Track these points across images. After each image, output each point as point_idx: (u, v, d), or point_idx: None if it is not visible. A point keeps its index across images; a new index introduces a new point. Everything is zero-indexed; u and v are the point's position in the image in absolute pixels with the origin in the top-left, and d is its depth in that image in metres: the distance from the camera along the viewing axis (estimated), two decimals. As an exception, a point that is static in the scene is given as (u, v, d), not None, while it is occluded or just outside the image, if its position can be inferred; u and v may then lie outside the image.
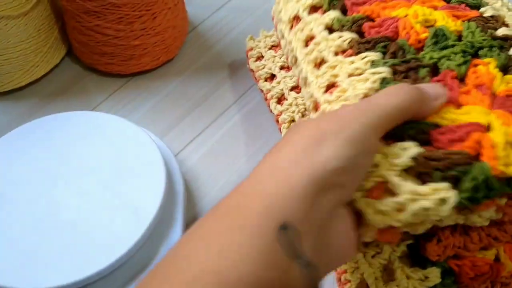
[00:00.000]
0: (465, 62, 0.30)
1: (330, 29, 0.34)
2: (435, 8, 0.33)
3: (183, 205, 0.37)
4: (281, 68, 0.42)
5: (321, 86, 0.31)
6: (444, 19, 0.32)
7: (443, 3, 0.34)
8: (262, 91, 0.44)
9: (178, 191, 0.38)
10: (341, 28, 0.33)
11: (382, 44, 0.31)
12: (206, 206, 0.40)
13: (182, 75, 0.49)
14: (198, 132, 0.45)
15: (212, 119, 0.46)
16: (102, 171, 0.37)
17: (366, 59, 0.30)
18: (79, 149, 0.38)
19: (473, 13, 0.33)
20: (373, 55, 0.30)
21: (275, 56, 0.42)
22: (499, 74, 0.30)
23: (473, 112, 0.28)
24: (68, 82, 0.49)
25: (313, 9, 0.35)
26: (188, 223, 0.38)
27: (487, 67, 0.30)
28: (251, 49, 0.45)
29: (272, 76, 0.42)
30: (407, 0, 0.34)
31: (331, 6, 0.34)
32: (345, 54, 0.32)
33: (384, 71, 0.29)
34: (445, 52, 0.30)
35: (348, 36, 0.32)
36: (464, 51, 0.30)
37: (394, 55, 0.31)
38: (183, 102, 0.47)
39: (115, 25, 0.44)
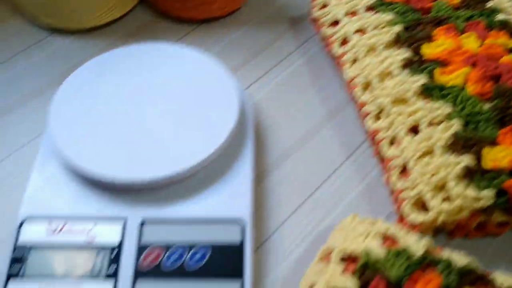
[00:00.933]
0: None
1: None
2: None
3: (252, 131, 0.41)
4: (346, 14, 0.45)
5: None
6: None
7: None
8: (324, 38, 0.47)
9: (248, 119, 0.41)
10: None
11: None
12: (270, 135, 0.43)
13: (247, 24, 0.53)
14: (261, 75, 0.48)
15: (274, 64, 0.49)
16: (179, 95, 0.40)
17: None
18: (157, 76, 0.41)
19: None
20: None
21: (339, 4, 0.46)
22: None
23: None
24: (141, 26, 0.52)
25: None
26: (256, 146, 0.42)
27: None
28: (316, -2, 0.48)
29: (336, 23, 0.46)
30: None
31: None
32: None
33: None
34: None
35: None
36: None
37: None
38: (246, 49, 0.50)
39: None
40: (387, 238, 0.32)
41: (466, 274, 0.29)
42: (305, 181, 0.41)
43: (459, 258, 0.30)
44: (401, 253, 0.30)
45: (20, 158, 0.42)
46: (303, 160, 0.42)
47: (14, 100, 0.45)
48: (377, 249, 0.30)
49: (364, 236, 0.32)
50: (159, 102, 0.40)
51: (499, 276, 0.30)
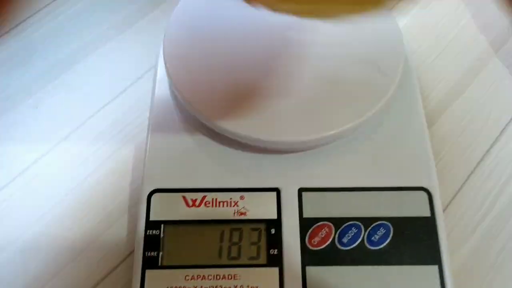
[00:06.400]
0: None
1: None
2: None
3: (416, 77, 0.33)
4: None
5: None
6: None
7: None
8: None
9: (410, 61, 0.33)
10: None
11: None
12: (422, 78, 0.36)
13: None
14: None
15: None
16: (330, 32, 0.32)
17: None
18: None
19: None
20: None
21: None
22: None
23: None
24: None
25: None
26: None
27: None
28: None
29: None
30: None
31: None
32: None
33: None
34: None
35: None
36: None
37: None
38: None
39: None
40: None
41: None
42: (479, 129, 0.33)
43: None
44: None
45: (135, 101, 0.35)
46: (468, 108, 0.34)
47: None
48: None
49: None
50: (306, 40, 0.32)
51: None
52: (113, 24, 0.38)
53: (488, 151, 0.32)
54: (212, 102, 0.29)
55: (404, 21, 0.38)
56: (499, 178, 0.31)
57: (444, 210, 0.30)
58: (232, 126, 0.28)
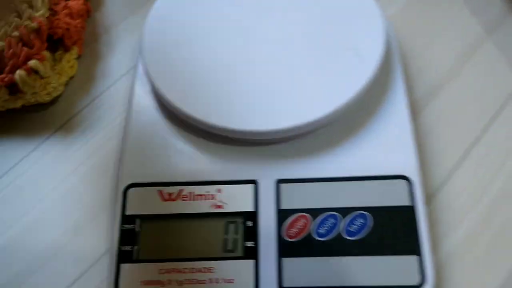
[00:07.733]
0: None
1: None
2: None
3: (400, 62, 0.32)
4: None
5: None
6: None
7: None
8: None
9: (394, 46, 0.32)
10: None
11: None
12: (412, 64, 0.34)
13: None
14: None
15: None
16: (308, 17, 0.31)
17: None
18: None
19: None
20: None
21: None
22: None
23: None
24: None
25: None
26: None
27: None
28: None
29: None
30: None
31: None
32: None
33: None
34: None
35: None
36: None
37: None
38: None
39: None
40: None
41: None
42: (469, 117, 0.32)
43: None
44: None
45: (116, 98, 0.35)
46: (461, 92, 0.33)
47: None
48: None
49: None
50: (282, 28, 0.31)
51: None
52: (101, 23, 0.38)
53: (478, 138, 0.31)
54: (187, 93, 0.29)
55: (394, 8, 0.37)
56: (490, 166, 0.30)
57: (431, 199, 0.29)
58: (207, 116, 0.28)
